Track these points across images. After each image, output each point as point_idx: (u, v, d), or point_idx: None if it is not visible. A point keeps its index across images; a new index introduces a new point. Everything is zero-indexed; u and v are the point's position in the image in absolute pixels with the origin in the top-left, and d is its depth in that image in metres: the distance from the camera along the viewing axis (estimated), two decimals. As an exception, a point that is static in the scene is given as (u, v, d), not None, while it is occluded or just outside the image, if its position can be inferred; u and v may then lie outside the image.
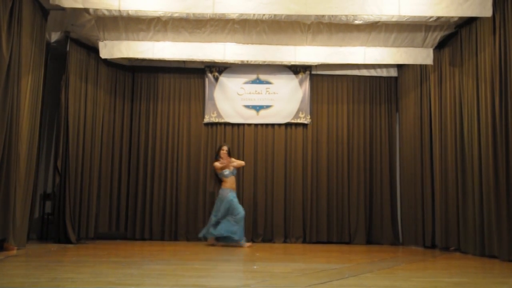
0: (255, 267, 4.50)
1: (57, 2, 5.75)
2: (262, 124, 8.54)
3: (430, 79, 7.32)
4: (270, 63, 8.19)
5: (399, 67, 8.48)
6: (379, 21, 6.64)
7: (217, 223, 7.05)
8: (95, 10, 6.37)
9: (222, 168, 7.23)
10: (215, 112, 8.50)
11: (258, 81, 8.60)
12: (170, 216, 8.22)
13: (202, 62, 8.40)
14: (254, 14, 6.40)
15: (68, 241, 6.67)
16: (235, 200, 7.17)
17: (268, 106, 8.53)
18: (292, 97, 8.55)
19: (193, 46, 7.11)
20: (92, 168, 7.46)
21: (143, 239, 8.08)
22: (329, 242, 8.14)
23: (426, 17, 6.25)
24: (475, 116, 5.99)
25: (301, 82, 8.59)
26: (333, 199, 8.32)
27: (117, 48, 7.13)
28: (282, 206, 8.30)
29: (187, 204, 8.30)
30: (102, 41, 7.06)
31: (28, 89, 5.95)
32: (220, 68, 8.56)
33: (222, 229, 6.94)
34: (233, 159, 7.44)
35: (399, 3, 5.77)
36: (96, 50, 7.29)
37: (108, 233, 8.00)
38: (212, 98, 8.52)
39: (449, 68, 6.80)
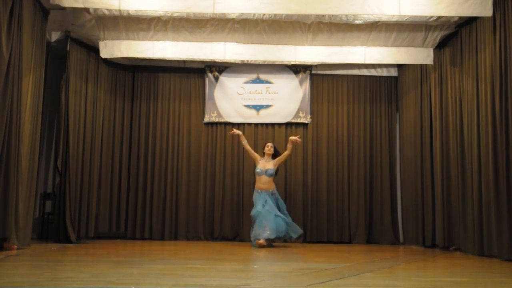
0: (255, 266, 4.50)
1: (57, 2, 5.76)
2: (262, 124, 8.54)
3: (431, 78, 7.32)
4: (270, 62, 8.19)
5: (399, 66, 8.47)
6: (379, 21, 6.64)
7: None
8: (95, 9, 6.37)
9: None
10: (215, 112, 8.50)
11: (258, 81, 8.60)
12: (170, 215, 8.22)
13: (202, 62, 8.40)
14: (254, 14, 6.40)
15: (68, 240, 6.67)
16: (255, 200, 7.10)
17: (268, 106, 8.53)
18: (292, 96, 8.55)
19: (193, 45, 7.12)
20: (92, 168, 7.46)
21: (143, 238, 8.08)
22: (329, 241, 8.14)
23: (426, 16, 6.25)
24: (475, 115, 5.99)
25: (301, 82, 8.59)
26: (333, 199, 8.32)
27: (117, 48, 7.13)
28: (282, 205, 8.29)
29: (187, 204, 8.30)
30: (102, 40, 7.07)
31: (30, 89, 5.95)
32: (220, 68, 8.56)
33: None
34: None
35: (399, 3, 5.77)
36: (96, 50, 7.29)
37: (108, 233, 8.00)
38: (212, 98, 8.52)
39: (450, 68, 6.80)
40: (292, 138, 7.23)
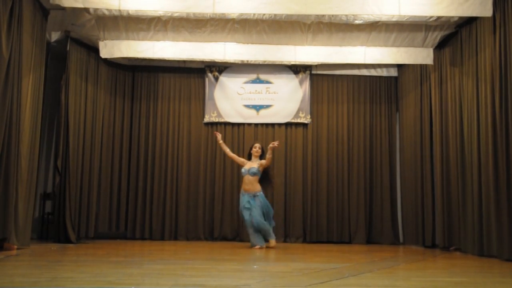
0: (255, 266, 4.49)
1: (57, 2, 5.76)
2: (262, 124, 8.54)
3: (431, 79, 7.32)
4: (270, 62, 8.19)
5: (399, 67, 8.48)
6: (379, 21, 6.64)
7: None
8: (95, 9, 6.37)
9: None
10: (215, 112, 8.50)
11: (258, 81, 8.60)
12: (170, 215, 8.22)
13: (202, 62, 8.40)
14: (254, 14, 6.40)
15: (68, 240, 6.67)
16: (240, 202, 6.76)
17: (268, 106, 8.53)
18: (292, 96, 8.56)
19: (193, 45, 7.12)
20: (92, 168, 7.46)
21: (143, 238, 8.08)
22: (329, 241, 8.15)
23: (426, 17, 6.25)
24: (475, 115, 5.99)
25: (301, 82, 8.59)
26: (333, 199, 8.32)
27: (117, 48, 7.13)
28: (282, 205, 8.30)
29: (187, 204, 8.30)
30: (102, 40, 7.07)
31: (29, 89, 5.95)
32: (220, 68, 8.56)
33: None
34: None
35: (399, 3, 5.77)
36: (96, 50, 7.29)
37: (108, 233, 8.01)
38: (212, 98, 8.53)
39: (449, 68, 6.80)
40: (271, 146, 6.66)
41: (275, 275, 3.74)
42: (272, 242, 6.67)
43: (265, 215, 6.68)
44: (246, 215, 6.58)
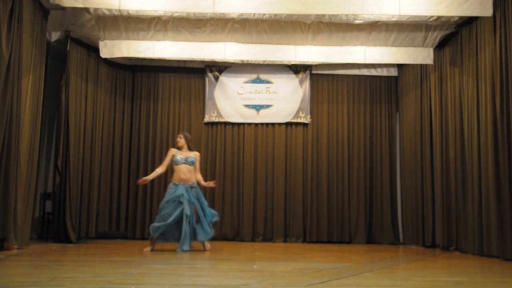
0: (255, 266, 4.49)
1: (57, 2, 5.76)
2: (262, 124, 8.54)
3: (431, 78, 7.32)
4: (270, 62, 8.19)
5: (399, 66, 8.47)
6: (379, 21, 6.63)
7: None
8: (96, 9, 6.37)
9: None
10: (215, 112, 8.50)
11: (258, 81, 8.60)
12: (170, 215, 8.21)
13: (202, 62, 8.40)
14: (254, 14, 6.40)
15: (68, 240, 6.68)
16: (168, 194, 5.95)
17: (268, 106, 8.53)
18: (292, 96, 8.56)
19: (193, 45, 7.12)
20: (93, 168, 7.46)
21: (143, 238, 8.07)
22: (329, 241, 8.15)
23: (426, 16, 6.25)
24: (475, 115, 5.99)
25: (301, 82, 8.59)
26: (334, 199, 8.32)
27: (117, 48, 7.13)
28: (282, 205, 8.30)
29: (187, 204, 8.29)
30: (103, 40, 7.07)
31: (29, 89, 5.96)
32: (221, 68, 8.56)
33: None
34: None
35: (399, 2, 5.78)
36: (96, 50, 7.29)
37: (108, 233, 8.01)
38: (212, 98, 8.53)
39: (450, 68, 6.80)
40: (206, 185, 6.17)
41: (275, 275, 3.74)
42: (207, 245, 6.13)
43: (203, 209, 6.00)
44: (186, 209, 5.78)
